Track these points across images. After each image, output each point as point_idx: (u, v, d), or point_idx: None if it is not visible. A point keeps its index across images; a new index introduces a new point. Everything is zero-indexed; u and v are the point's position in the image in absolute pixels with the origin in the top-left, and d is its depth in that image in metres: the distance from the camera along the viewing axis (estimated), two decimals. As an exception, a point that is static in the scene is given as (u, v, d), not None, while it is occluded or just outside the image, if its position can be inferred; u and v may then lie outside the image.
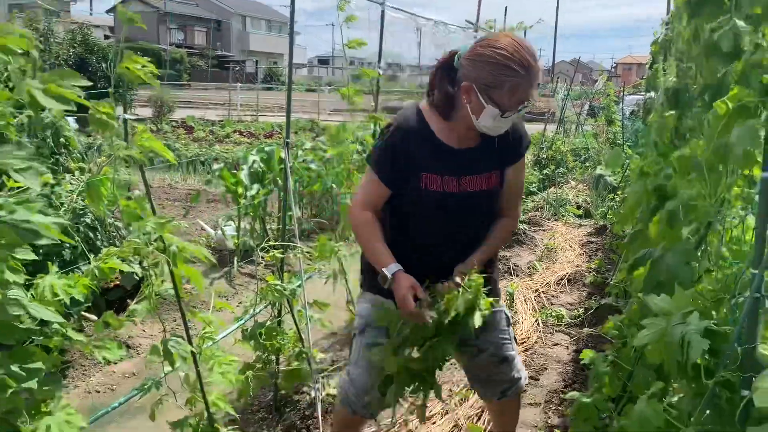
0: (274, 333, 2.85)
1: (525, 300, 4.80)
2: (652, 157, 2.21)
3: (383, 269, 2.00)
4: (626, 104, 11.79)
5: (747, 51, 1.36)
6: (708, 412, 1.36)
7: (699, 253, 1.73)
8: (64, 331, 1.58)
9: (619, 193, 7.22)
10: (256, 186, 5.01)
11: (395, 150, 2.03)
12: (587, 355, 2.08)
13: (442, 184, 2.04)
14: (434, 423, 3.03)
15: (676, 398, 1.55)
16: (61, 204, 3.57)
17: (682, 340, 1.36)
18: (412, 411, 2.83)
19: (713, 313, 1.46)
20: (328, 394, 3.23)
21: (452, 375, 3.58)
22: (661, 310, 1.41)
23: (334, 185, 4.71)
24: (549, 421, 3.12)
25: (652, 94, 3.47)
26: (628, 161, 5.73)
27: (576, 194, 8.97)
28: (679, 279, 1.62)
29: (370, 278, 2.18)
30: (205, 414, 2.14)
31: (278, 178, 4.77)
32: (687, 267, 1.67)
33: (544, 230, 7.23)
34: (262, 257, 2.92)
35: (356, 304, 2.36)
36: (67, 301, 1.56)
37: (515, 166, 2.14)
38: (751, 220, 1.54)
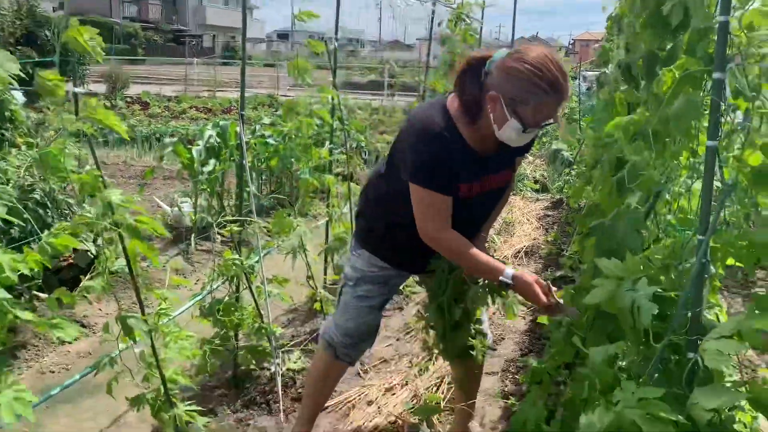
0: (233, 309, 2.83)
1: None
2: (604, 130, 2.25)
3: (501, 277, 2.05)
4: (584, 80, 11.93)
5: (694, 20, 1.38)
6: (656, 374, 1.40)
7: (648, 222, 1.78)
8: (11, 309, 1.53)
9: (575, 167, 7.35)
10: (212, 161, 4.93)
11: (440, 160, 1.99)
12: (544, 319, 2.13)
13: (470, 188, 2.10)
14: (394, 394, 3.07)
15: (625, 363, 1.59)
16: (8, 180, 3.45)
17: (632, 306, 1.40)
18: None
19: (662, 279, 1.50)
20: (288, 369, 3.23)
21: (412, 347, 3.62)
22: (611, 273, 1.44)
23: (292, 160, 4.66)
24: (505, 389, 3.19)
25: (606, 69, 3.52)
26: (584, 136, 5.82)
27: (533, 169, 9.08)
28: (629, 247, 1.65)
29: (367, 239, 2.35)
30: (162, 390, 2.12)
31: (235, 153, 4.70)
32: (637, 235, 1.71)
33: (502, 205, 7.30)
34: (219, 233, 2.89)
35: (350, 255, 2.44)
36: (14, 278, 1.52)
37: (521, 157, 2.31)
38: (698, 188, 1.58)
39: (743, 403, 1.29)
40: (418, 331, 3.80)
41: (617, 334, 1.65)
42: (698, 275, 1.33)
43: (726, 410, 1.27)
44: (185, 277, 4.51)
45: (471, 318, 2.33)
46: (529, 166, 9.25)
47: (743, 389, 1.29)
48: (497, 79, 1.90)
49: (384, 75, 24.30)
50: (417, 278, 4.37)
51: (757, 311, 1.25)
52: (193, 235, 5.14)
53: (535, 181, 8.38)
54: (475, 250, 2.07)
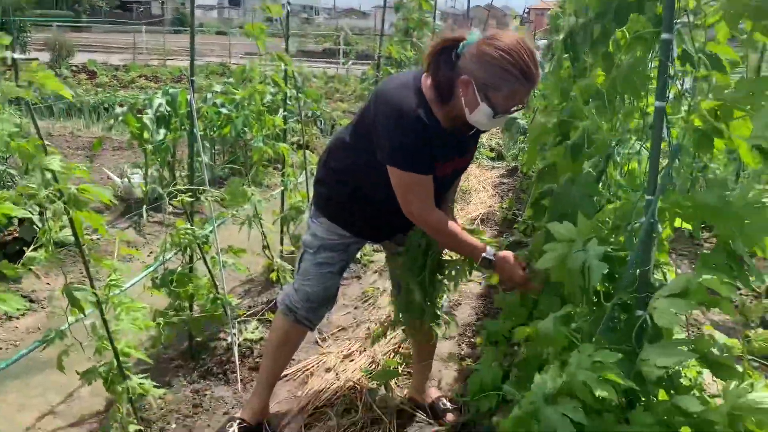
0: (187, 279, 2.78)
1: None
2: (555, 96, 2.26)
3: (483, 255, 2.11)
4: (537, 49, 11.98)
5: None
6: (607, 333, 1.43)
7: (600, 185, 1.80)
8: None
9: (529, 135, 7.41)
10: (162, 130, 4.80)
11: (419, 144, 2.00)
12: (495, 280, 2.16)
13: (443, 168, 2.12)
14: (352, 361, 3.08)
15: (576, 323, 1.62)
16: (-56, 152, 3.29)
17: (583, 266, 1.42)
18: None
19: (612, 240, 1.53)
20: (246, 339, 3.21)
21: (370, 314, 3.64)
22: (562, 237, 1.46)
23: (246, 129, 4.57)
24: (462, 353, 3.24)
25: (557, 36, 3.53)
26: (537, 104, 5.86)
27: (489, 137, 9.13)
28: (582, 211, 1.67)
29: (326, 206, 2.35)
30: (115, 362, 2.08)
31: (186, 122, 4.59)
32: (589, 199, 1.73)
33: (458, 173, 7.35)
34: (171, 204, 2.82)
35: (310, 222, 2.44)
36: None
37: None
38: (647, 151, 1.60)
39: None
40: (376, 299, 3.83)
41: (570, 295, 1.68)
42: (647, 235, 1.35)
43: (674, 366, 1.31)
44: (137, 250, 4.42)
45: (440, 293, 2.38)
46: (485, 135, 9.30)
47: (690, 347, 1.33)
48: (470, 63, 1.91)
49: (339, 43, 24.01)
50: (375, 247, 4.37)
51: (704, 269, 1.28)
52: (144, 207, 5.02)
53: (491, 149, 8.44)
54: (458, 229, 2.12)
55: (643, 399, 1.36)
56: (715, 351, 1.33)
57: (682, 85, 1.46)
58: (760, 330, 1.63)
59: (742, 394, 1.16)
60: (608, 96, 1.50)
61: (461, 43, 1.96)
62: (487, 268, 2.14)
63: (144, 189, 5.14)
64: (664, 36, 1.27)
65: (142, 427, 2.35)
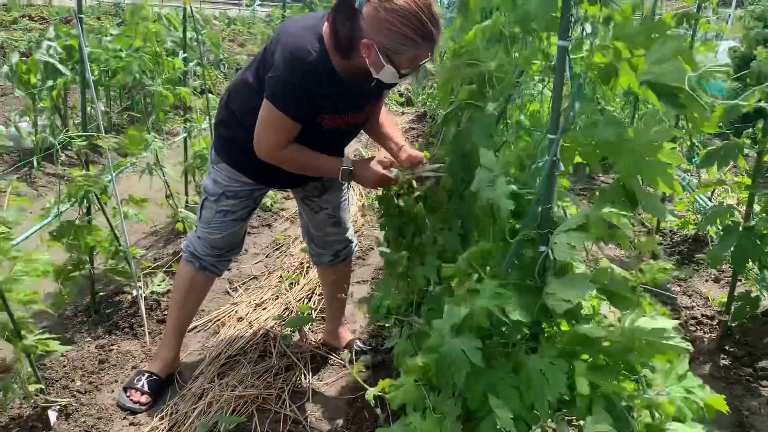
0: (86, 231, 2.64)
1: (352, 186, 4.89)
2: (462, 37, 2.25)
3: (342, 168, 2.07)
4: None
5: None
6: (513, 268, 1.48)
7: (500, 125, 1.83)
8: None
9: (437, 79, 7.45)
10: (54, 75, 4.45)
11: (304, 89, 1.96)
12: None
13: (339, 121, 2.11)
14: (265, 309, 3.06)
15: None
16: None
17: (491, 204, 1.45)
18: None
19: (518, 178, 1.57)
20: (152, 292, 3.12)
21: (282, 262, 3.61)
22: (486, 164, 1.49)
23: (143, 72, 4.30)
24: (374, 294, 3.28)
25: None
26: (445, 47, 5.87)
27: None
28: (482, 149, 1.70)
29: (227, 151, 2.27)
30: (9, 319, 1.96)
31: (77, 66, 4.27)
32: (488, 138, 1.76)
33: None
34: (65, 154, 2.65)
35: (210, 168, 2.37)
36: None
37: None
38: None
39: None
40: (288, 247, 3.79)
41: (479, 233, 1.72)
42: (549, 172, 1.39)
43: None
44: (29, 200, 4.15)
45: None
46: (394, 80, 9.27)
47: (591, 279, 1.39)
48: (369, 27, 1.85)
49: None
50: (285, 194, 4.30)
51: (602, 203, 1.33)
52: (35, 157, 4.70)
53: (401, 95, 8.43)
54: (311, 153, 2.09)
55: (547, 331, 1.42)
56: (611, 282, 1.40)
57: (582, 30, 1.49)
58: (652, 262, 1.73)
59: (635, 320, 1.24)
60: (510, 37, 1.51)
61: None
62: (350, 178, 2.11)
63: (34, 138, 4.80)
64: (567, -26, 1.28)
65: (43, 386, 2.25)
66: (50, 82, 4.53)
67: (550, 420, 1.30)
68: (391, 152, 2.27)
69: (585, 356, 1.32)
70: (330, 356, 2.72)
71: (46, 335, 2.14)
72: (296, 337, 2.81)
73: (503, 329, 1.47)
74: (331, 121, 2.09)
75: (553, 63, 1.49)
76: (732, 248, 2.71)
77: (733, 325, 3.01)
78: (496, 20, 1.69)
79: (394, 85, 2.24)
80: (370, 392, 1.53)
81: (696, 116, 1.28)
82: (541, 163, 1.47)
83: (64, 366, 2.56)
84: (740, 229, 2.72)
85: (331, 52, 1.97)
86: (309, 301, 3.15)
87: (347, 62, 1.97)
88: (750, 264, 2.82)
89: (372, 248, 3.90)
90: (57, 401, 2.30)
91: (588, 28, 1.52)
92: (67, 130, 3.44)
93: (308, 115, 2.03)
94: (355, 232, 4.07)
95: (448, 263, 1.51)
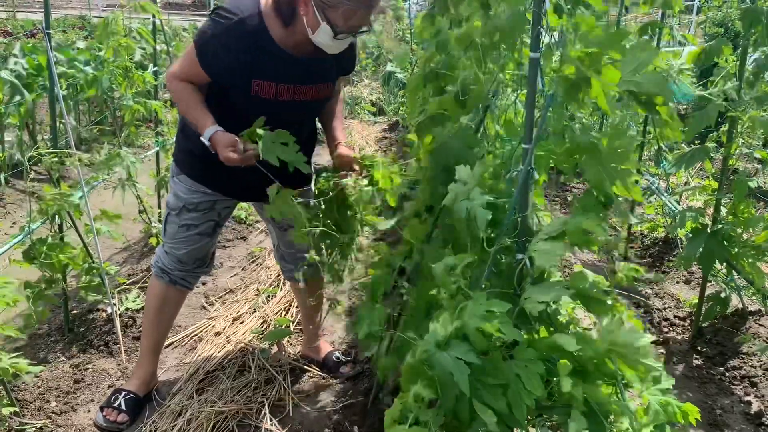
0: (58, 249, 2.60)
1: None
2: (432, 48, 2.27)
3: (201, 138, 2.02)
4: (415, 2, 12.02)
5: None
6: (491, 276, 1.50)
7: (479, 136, 1.86)
8: None
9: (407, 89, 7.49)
10: (21, 91, 4.38)
11: (224, 48, 1.98)
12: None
13: (276, 92, 2.07)
14: (243, 322, 3.04)
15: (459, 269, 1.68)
16: None
17: (468, 215, 1.47)
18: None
19: (494, 188, 1.59)
20: (127, 309, 3.08)
21: (258, 275, 3.59)
22: (461, 178, 1.50)
23: (113, 86, 4.26)
24: (353, 306, 3.28)
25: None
26: (415, 58, 5.92)
27: (370, 92, 9.15)
28: (463, 162, 1.72)
29: (187, 161, 2.25)
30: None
31: (46, 81, 4.22)
32: (470, 150, 1.78)
33: (340, 129, 7.33)
34: (35, 170, 2.61)
35: (170, 181, 2.35)
36: None
37: (344, 78, 2.34)
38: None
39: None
40: (263, 259, 3.78)
41: (457, 245, 1.73)
42: (524, 181, 1.41)
43: (553, 304, 1.40)
44: (-2, 221, 4.08)
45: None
46: (366, 89, 9.30)
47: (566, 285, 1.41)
48: None
49: (209, -6, 22.88)
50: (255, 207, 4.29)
51: (579, 210, 1.36)
52: (2, 175, 4.61)
53: (373, 104, 8.46)
54: (195, 99, 2.08)
55: (526, 336, 1.44)
56: (587, 286, 1.43)
57: (551, 38, 1.52)
58: (623, 264, 1.77)
59: (614, 330, 1.26)
60: (483, 48, 1.54)
61: None
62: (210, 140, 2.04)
63: (1, 155, 4.71)
64: (537, -13, 1.31)
65: (18, 408, 2.21)
66: (18, 98, 4.46)
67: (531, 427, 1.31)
68: (328, 145, 2.33)
69: (564, 362, 1.34)
70: (310, 368, 2.71)
71: (18, 356, 2.10)
72: (275, 350, 2.80)
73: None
74: (271, 89, 2.06)
75: (524, 73, 1.53)
76: (700, 250, 2.77)
77: (705, 325, 3.08)
78: (469, 29, 1.71)
79: (348, 69, 2.28)
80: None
81: (669, 121, 1.32)
82: (515, 172, 1.50)
83: (39, 387, 2.51)
84: (708, 231, 2.79)
85: (268, 17, 1.99)
86: (287, 313, 3.14)
87: (289, 30, 2.00)
88: (717, 265, 2.89)
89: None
90: (32, 423, 2.26)
91: (556, 36, 1.55)
92: (37, 147, 3.38)
93: (229, 73, 2.02)
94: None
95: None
